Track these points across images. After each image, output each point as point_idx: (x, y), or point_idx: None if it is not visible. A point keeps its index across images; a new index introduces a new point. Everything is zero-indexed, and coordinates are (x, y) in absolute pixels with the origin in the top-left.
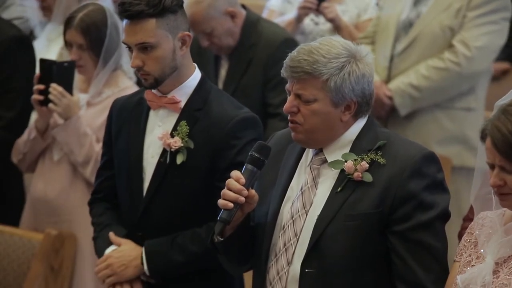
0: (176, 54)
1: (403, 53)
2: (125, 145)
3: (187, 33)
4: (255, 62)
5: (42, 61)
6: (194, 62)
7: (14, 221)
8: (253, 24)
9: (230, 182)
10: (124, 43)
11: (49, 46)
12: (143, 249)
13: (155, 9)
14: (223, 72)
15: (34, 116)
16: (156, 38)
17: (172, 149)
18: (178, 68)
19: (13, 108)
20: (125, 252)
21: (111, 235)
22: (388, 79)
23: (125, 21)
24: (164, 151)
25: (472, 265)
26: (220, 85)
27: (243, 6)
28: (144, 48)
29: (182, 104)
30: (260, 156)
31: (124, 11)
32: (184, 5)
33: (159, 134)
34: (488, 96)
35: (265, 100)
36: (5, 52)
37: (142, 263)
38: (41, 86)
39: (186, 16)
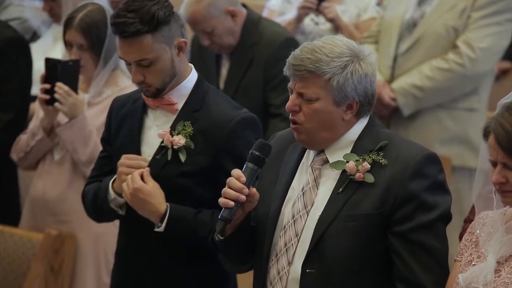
0: (175, 62)
1: (407, 53)
2: (122, 142)
3: (183, 39)
4: (256, 62)
5: (47, 60)
6: (195, 61)
7: (13, 221)
8: (254, 24)
9: (231, 180)
10: (122, 59)
11: (54, 44)
12: (168, 209)
13: (149, 25)
14: (224, 71)
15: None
16: (154, 53)
17: (174, 147)
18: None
19: (9, 110)
20: (156, 194)
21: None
22: (391, 79)
23: (118, 37)
24: (160, 149)
25: (474, 264)
26: (221, 84)
27: (244, 6)
28: (143, 63)
29: (180, 105)
30: (261, 154)
31: (121, 32)
32: (184, 5)
33: (159, 131)
34: (489, 96)
35: (266, 100)
36: (0, 53)
37: (161, 220)
38: (47, 86)
39: (178, 21)
